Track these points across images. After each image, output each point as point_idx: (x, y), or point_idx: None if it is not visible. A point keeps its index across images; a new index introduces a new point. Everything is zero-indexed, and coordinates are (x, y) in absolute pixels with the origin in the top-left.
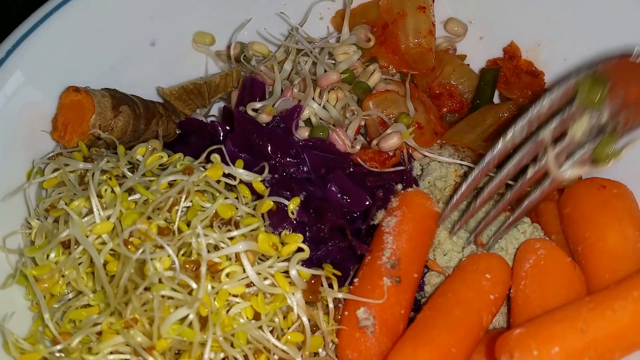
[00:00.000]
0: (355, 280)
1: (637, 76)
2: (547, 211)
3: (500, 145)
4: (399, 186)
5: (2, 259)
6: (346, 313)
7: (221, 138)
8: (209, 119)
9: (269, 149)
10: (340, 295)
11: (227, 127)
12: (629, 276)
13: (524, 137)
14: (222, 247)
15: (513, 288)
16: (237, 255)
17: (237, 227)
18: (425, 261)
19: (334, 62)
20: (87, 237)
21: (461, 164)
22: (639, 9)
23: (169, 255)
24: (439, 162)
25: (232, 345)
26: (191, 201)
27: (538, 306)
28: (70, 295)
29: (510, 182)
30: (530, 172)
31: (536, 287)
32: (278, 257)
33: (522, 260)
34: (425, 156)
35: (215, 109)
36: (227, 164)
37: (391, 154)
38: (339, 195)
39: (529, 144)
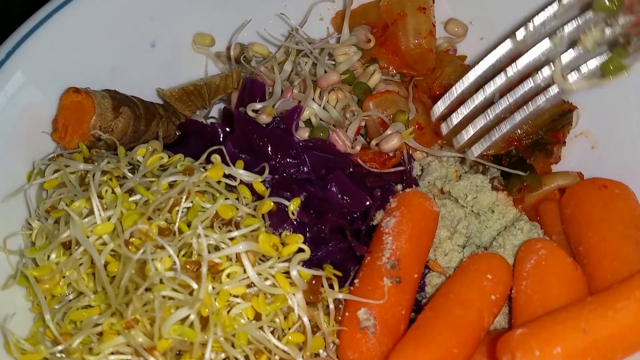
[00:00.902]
0: (356, 281)
1: None
2: (548, 211)
3: (509, 45)
4: (399, 186)
5: (2, 260)
6: (347, 314)
7: (221, 139)
8: (209, 121)
9: (269, 149)
10: (340, 296)
11: (227, 129)
12: (631, 276)
13: (535, 40)
14: (223, 248)
15: (514, 288)
16: (237, 255)
17: (237, 227)
18: (426, 261)
19: (334, 63)
20: (88, 237)
21: (458, 155)
22: None
23: (169, 256)
24: (440, 162)
25: (233, 345)
26: (192, 202)
27: (539, 306)
28: (71, 296)
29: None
30: (537, 80)
31: (537, 288)
32: (279, 258)
33: (523, 261)
34: (426, 156)
35: (216, 110)
36: (228, 165)
37: (391, 154)
38: (339, 196)
39: (539, 48)
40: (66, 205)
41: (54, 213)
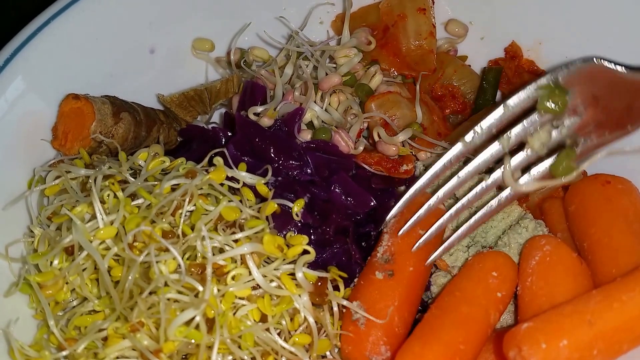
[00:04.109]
0: (356, 279)
1: (599, 83)
2: (553, 209)
3: (459, 147)
4: (402, 188)
5: (5, 268)
6: (344, 310)
7: (223, 143)
8: (211, 126)
9: (272, 152)
10: (344, 303)
11: (229, 133)
12: (636, 268)
13: (483, 142)
14: (227, 250)
15: (520, 285)
16: (242, 257)
17: (241, 229)
18: (429, 258)
19: (334, 65)
20: (91, 242)
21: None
22: (639, 7)
23: (174, 258)
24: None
25: (239, 347)
26: (195, 204)
27: (545, 302)
28: (75, 302)
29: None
30: (486, 183)
31: (543, 284)
32: (284, 260)
33: (528, 257)
34: (429, 156)
35: (217, 116)
36: (230, 168)
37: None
38: (343, 197)
39: (488, 152)
40: (68, 210)
41: (56, 219)
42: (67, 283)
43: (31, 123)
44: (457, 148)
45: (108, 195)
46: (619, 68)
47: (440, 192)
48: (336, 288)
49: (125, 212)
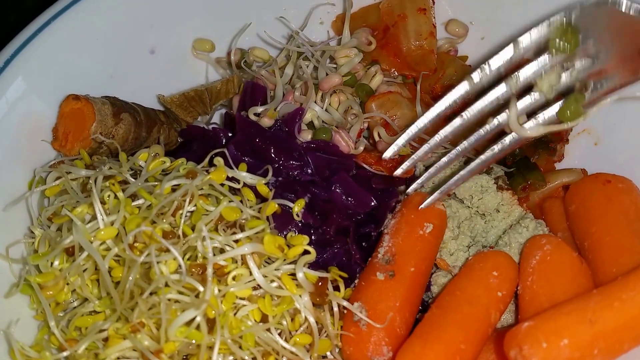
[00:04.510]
0: (356, 281)
1: (612, 25)
2: (553, 208)
3: (466, 87)
4: (402, 188)
5: (5, 269)
6: (345, 311)
7: (223, 144)
8: (211, 126)
9: (272, 152)
10: (345, 303)
11: (229, 134)
12: (636, 267)
13: (490, 82)
14: (228, 250)
15: (520, 285)
16: (243, 258)
17: (242, 230)
18: (431, 258)
19: (335, 66)
20: (92, 243)
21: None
22: None
23: (174, 259)
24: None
25: (240, 347)
26: (195, 205)
27: (546, 301)
28: (76, 303)
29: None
30: (490, 126)
31: (543, 283)
32: (284, 260)
33: (528, 257)
34: (430, 157)
35: (217, 116)
36: (231, 168)
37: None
38: (343, 197)
39: (494, 94)
40: (69, 211)
41: (57, 219)
42: (67, 284)
43: (31, 124)
44: (464, 87)
45: (108, 196)
46: (632, 12)
47: (443, 132)
48: (336, 288)
49: (126, 212)
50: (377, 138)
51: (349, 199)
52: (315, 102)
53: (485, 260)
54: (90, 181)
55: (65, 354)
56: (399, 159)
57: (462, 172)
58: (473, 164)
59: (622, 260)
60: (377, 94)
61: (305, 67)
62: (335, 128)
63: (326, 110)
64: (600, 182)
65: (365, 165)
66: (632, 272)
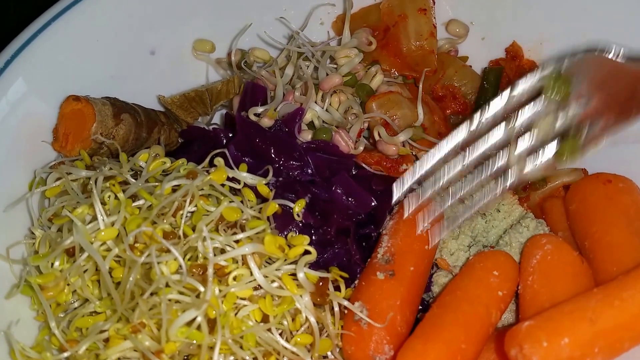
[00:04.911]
0: (356, 281)
1: (602, 71)
2: (554, 208)
3: (463, 132)
4: None
5: (6, 270)
6: (346, 311)
7: (224, 144)
8: (212, 127)
9: (272, 152)
10: (345, 303)
11: (230, 134)
12: (637, 266)
13: (488, 128)
14: (229, 250)
15: (521, 284)
16: (243, 258)
17: (242, 230)
18: (430, 258)
19: (335, 66)
20: (92, 243)
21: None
22: None
23: (175, 259)
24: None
25: (241, 347)
26: (196, 205)
27: (546, 301)
28: (76, 304)
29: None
30: (491, 169)
31: (544, 282)
32: (285, 260)
33: (529, 256)
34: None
35: (217, 117)
36: (231, 168)
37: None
38: (344, 197)
39: (493, 139)
40: (69, 212)
41: (57, 220)
42: (68, 284)
43: (32, 125)
44: (462, 134)
45: (109, 197)
46: (619, 59)
47: (444, 180)
48: (337, 288)
49: (126, 213)
50: (377, 138)
51: (350, 199)
52: (315, 102)
53: (486, 260)
54: (91, 182)
55: (66, 354)
56: (399, 159)
57: (463, 212)
58: (475, 206)
59: (623, 259)
60: (377, 94)
61: (306, 67)
62: (336, 128)
63: (326, 110)
64: (601, 182)
65: (365, 166)
66: (632, 271)
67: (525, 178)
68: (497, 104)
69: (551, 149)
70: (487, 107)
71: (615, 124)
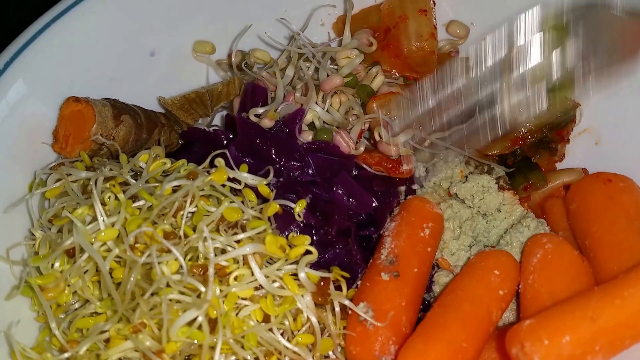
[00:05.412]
0: (359, 282)
1: (603, 24)
2: (554, 208)
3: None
4: (402, 188)
5: (6, 271)
6: (349, 311)
7: (224, 145)
8: (212, 128)
9: (273, 153)
10: (346, 303)
11: (230, 135)
12: (637, 265)
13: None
14: (229, 251)
15: (522, 283)
16: (244, 258)
17: (243, 230)
18: (431, 259)
19: (336, 67)
20: (92, 244)
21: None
22: None
23: (176, 259)
24: (445, 163)
25: (242, 347)
26: (196, 206)
27: (547, 300)
28: (77, 304)
29: None
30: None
31: (545, 281)
32: (286, 260)
33: (529, 255)
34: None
35: (218, 118)
36: (232, 169)
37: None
38: (345, 198)
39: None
40: (69, 213)
41: (57, 221)
42: (68, 285)
43: (32, 126)
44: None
45: (109, 197)
46: (622, 13)
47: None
48: (338, 288)
49: (127, 213)
50: (377, 138)
51: (351, 199)
52: (316, 103)
53: (487, 259)
54: (91, 183)
55: (66, 355)
56: (399, 159)
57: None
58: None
59: (623, 258)
60: (378, 95)
61: (306, 68)
62: (336, 129)
63: (327, 111)
64: (601, 182)
65: (365, 166)
66: (632, 270)
67: (518, 124)
68: (493, 43)
69: (544, 95)
70: (483, 46)
71: (607, 66)
